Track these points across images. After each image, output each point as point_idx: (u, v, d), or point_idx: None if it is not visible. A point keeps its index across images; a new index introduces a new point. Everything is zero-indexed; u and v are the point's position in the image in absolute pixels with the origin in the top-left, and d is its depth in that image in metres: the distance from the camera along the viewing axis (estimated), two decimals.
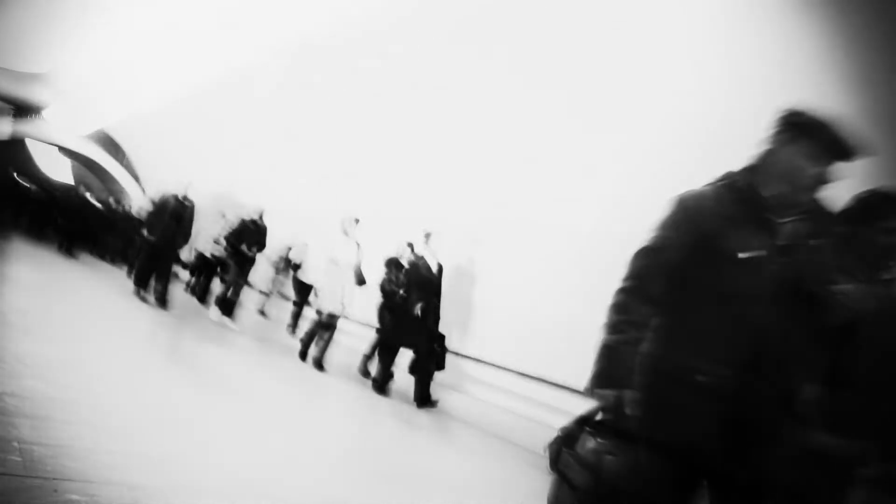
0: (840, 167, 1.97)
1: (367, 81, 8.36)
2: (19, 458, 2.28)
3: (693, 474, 2.04)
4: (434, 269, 6.21)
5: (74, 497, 2.12)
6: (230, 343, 6.85)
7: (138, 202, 14.72)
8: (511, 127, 6.66)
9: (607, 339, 2.05)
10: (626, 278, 2.10)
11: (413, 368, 6.03)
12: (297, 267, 8.79)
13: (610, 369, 2.04)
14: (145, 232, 8.17)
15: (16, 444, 2.41)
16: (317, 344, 6.74)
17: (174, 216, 7.94)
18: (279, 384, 5.75)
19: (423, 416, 5.57)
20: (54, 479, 2.21)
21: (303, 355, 6.76)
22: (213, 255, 8.99)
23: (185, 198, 8.07)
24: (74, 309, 6.75)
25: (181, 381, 4.59)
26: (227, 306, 7.87)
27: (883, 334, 2.84)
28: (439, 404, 6.00)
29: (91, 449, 2.61)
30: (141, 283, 8.06)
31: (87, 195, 14.18)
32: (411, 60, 7.59)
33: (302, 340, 6.88)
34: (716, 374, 1.96)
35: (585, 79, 5.78)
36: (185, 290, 10.35)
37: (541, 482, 4.23)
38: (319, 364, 6.55)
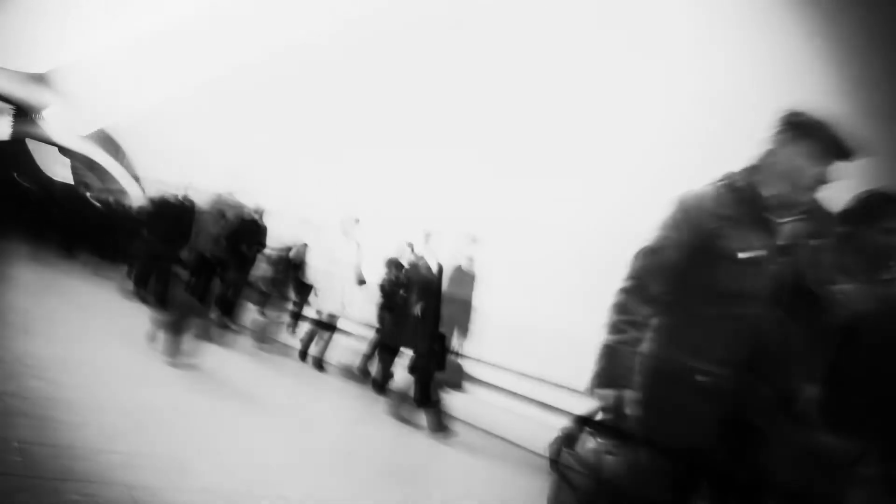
0: (840, 167, 1.97)
1: (367, 80, 8.36)
2: (19, 458, 2.28)
3: (693, 474, 2.04)
4: (434, 269, 6.21)
5: (74, 497, 2.12)
6: (230, 343, 6.84)
7: (138, 202, 14.71)
8: (511, 128, 6.66)
9: (607, 339, 2.05)
10: (627, 278, 2.10)
11: (413, 368, 6.03)
12: (297, 267, 8.78)
13: (610, 369, 2.04)
14: (145, 232, 8.16)
15: (16, 444, 2.41)
16: (317, 344, 6.73)
17: (174, 216, 7.94)
18: (279, 384, 5.75)
19: (423, 416, 5.56)
20: (54, 479, 2.21)
21: (303, 355, 6.76)
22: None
23: (185, 198, 8.07)
24: (74, 309, 6.75)
25: (181, 381, 4.58)
26: (227, 306, 7.86)
27: (883, 334, 2.84)
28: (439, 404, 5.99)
29: (91, 449, 2.61)
30: (141, 284, 8.05)
31: (87, 195, 14.17)
32: (412, 59, 7.58)
33: (302, 340, 6.88)
34: (715, 374, 1.96)
35: (586, 79, 5.78)
36: (185, 290, 10.33)
37: (540, 482, 4.22)
38: (319, 364, 6.54)
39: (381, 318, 6.51)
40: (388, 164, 8.34)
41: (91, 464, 2.44)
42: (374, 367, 6.51)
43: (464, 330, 6.23)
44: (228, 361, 5.95)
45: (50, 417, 2.85)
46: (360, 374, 6.76)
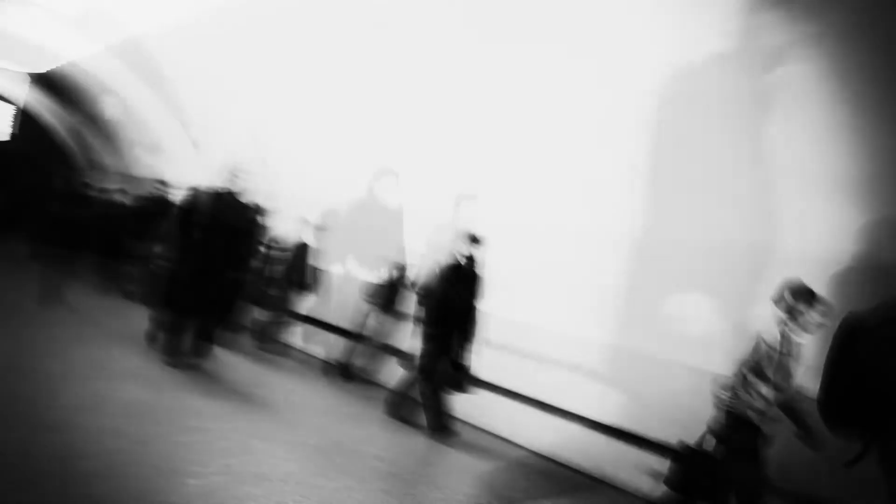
0: None
1: (369, 75, 8.33)
2: (20, 460, 2.28)
3: None
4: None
5: (74, 497, 2.12)
6: (230, 343, 6.83)
7: (141, 201, 14.73)
8: (508, 122, 6.65)
9: None
10: None
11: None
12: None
13: None
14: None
15: (16, 444, 2.41)
16: (320, 346, 6.72)
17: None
18: (279, 384, 5.75)
19: (423, 415, 5.56)
20: (54, 479, 2.21)
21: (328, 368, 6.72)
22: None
23: (188, 195, 8.07)
24: (74, 309, 6.74)
25: (180, 381, 4.59)
26: (227, 306, 7.84)
27: (882, 337, 2.85)
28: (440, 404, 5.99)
29: (90, 450, 2.61)
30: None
31: (89, 194, 14.13)
32: (413, 54, 7.57)
33: (303, 341, 6.86)
34: None
35: (581, 74, 5.77)
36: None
37: (541, 481, 4.22)
38: (326, 366, 6.54)
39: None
40: (385, 160, 8.33)
41: (90, 463, 2.44)
42: (374, 366, 6.51)
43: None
44: (229, 362, 5.94)
45: (49, 417, 2.86)
46: (357, 373, 6.75)
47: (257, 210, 8.02)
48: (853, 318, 2.96)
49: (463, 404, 5.84)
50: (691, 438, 3.52)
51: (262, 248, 8.23)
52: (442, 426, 5.21)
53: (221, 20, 11.13)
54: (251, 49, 10.96)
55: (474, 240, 6.01)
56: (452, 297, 5.89)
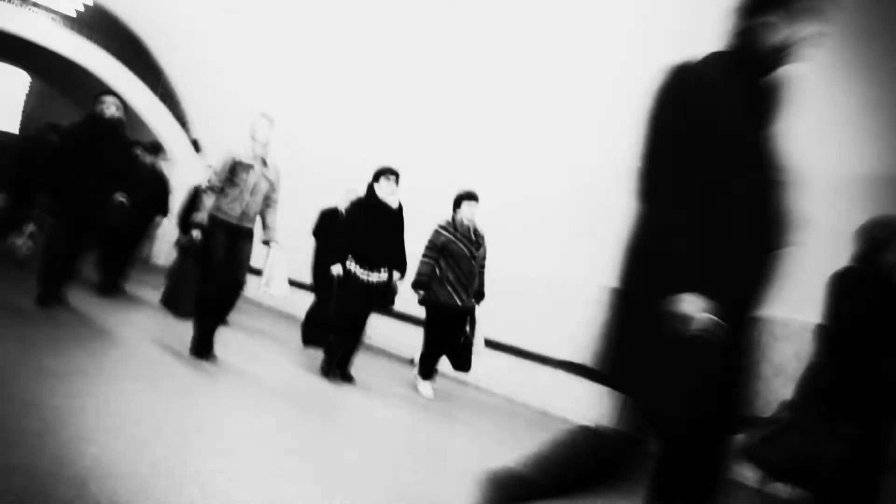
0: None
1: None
2: (18, 461, 2.28)
3: None
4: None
5: (72, 497, 2.11)
6: (231, 343, 6.84)
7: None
8: (507, 121, 6.64)
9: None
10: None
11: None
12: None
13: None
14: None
15: (14, 445, 2.41)
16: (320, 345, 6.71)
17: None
18: (280, 384, 5.75)
19: (431, 403, 5.57)
20: (53, 476, 2.21)
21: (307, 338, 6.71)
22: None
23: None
24: (74, 310, 6.74)
25: (181, 380, 4.58)
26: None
27: (882, 332, 2.85)
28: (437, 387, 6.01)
29: (90, 451, 2.61)
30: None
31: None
32: (409, 45, 7.55)
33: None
34: None
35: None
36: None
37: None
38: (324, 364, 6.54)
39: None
40: (385, 158, 8.33)
41: (87, 464, 2.44)
42: (372, 365, 6.49)
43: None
44: (229, 361, 5.94)
45: (46, 417, 2.85)
46: (355, 372, 6.75)
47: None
48: (854, 315, 2.97)
49: (463, 404, 5.84)
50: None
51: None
52: (438, 425, 5.23)
53: (222, 19, 11.11)
54: (251, 49, 10.94)
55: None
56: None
